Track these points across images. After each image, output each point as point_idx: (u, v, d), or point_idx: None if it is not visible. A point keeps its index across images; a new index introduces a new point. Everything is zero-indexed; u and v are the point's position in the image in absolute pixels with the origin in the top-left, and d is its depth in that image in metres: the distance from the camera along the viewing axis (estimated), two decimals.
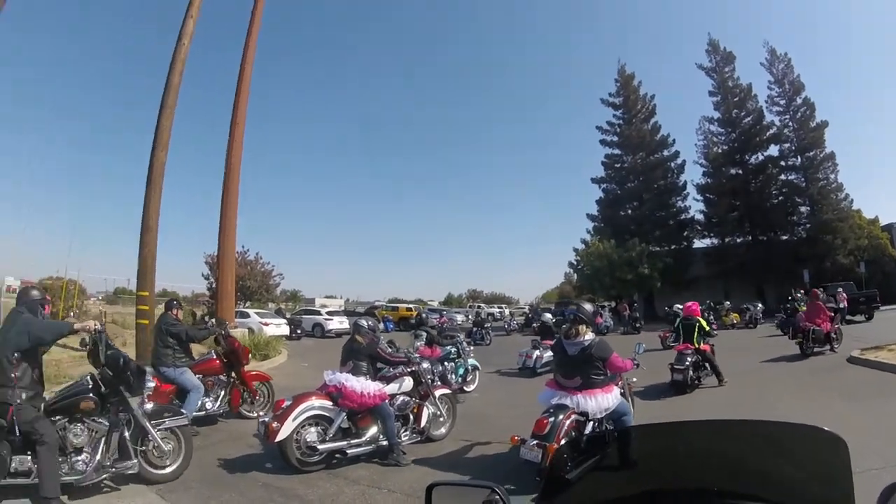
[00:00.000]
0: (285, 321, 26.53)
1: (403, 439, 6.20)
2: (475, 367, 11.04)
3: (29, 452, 4.48)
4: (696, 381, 9.95)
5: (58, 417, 4.72)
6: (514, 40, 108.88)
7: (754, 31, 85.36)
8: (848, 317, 22.41)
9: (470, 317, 38.13)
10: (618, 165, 40.42)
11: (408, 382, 6.54)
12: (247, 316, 24.26)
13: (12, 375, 4.43)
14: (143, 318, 11.76)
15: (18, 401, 4.42)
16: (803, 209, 35.81)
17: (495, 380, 12.70)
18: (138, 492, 5.01)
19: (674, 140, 39.52)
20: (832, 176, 35.02)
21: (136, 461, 4.98)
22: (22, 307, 4.81)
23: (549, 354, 12.91)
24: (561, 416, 4.98)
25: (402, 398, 6.42)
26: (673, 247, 37.47)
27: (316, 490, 5.09)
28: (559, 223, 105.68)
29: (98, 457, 4.77)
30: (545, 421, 4.95)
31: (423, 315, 23.66)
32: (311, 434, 5.62)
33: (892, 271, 29.71)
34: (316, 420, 5.70)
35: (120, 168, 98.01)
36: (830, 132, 34.73)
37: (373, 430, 5.92)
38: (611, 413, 5.22)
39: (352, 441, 5.79)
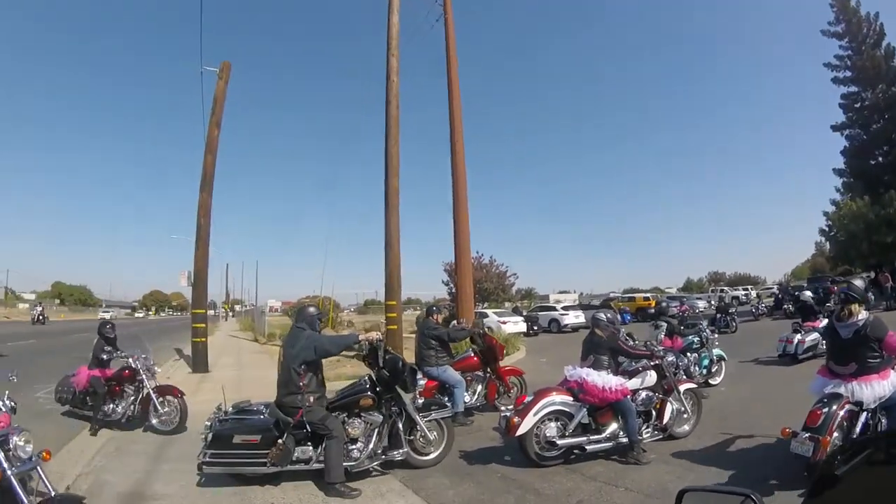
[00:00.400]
0: (522, 319, 26.96)
1: (645, 436, 6.01)
2: (721, 358, 10.24)
3: (309, 443, 5.34)
4: None
5: (338, 413, 5.49)
6: None
7: None
8: None
9: (713, 302, 35.08)
10: (857, 105, 34.07)
11: (651, 376, 6.29)
12: (485, 316, 24.88)
13: (301, 384, 5.25)
14: (392, 324, 13.20)
15: (307, 404, 5.24)
16: None
17: (746, 370, 11.64)
18: (385, 479, 5.54)
19: None
20: None
21: (405, 449, 5.60)
22: (302, 323, 5.58)
23: (811, 338, 12.15)
24: (835, 407, 4.68)
25: (644, 393, 6.20)
26: None
27: (552, 485, 5.15)
28: (801, 186, 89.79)
29: (371, 446, 5.48)
30: (819, 412, 4.68)
31: (663, 304, 22.35)
32: (551, 429, 5.67)
33: None
34: (556, 415, 5.73)
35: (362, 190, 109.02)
36: None
37: (613, 427, 5.81)
38: (885, 401, 4.73)
39: (591, 437, 5.74)
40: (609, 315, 6.46)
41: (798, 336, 12.16)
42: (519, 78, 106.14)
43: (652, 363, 6.35)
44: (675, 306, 28.33)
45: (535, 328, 27.36)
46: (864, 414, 4.76)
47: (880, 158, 32.57)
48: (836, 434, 4.59)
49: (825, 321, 10.73)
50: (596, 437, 5.75)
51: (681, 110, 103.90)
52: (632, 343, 6.62)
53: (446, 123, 17.30)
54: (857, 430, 4.72)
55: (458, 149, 17.04)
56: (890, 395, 4.71)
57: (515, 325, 24.97)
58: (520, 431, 5.47)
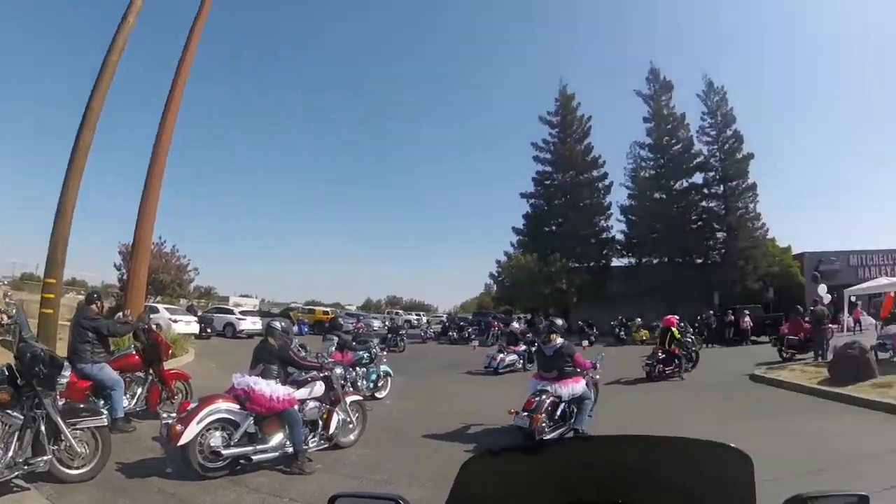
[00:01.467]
0: (195, 319, 25.71)
1: (311, 446, 6.10)
2: (387, 374, 11.08)
3: None
4: (664, 373, 13.31)
5: None
6: (457, 54, 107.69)
7: (697, 64, 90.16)
8: (753, 338, 24.50)
9: (386, 323, 38.41)
10: (547, 182, 41.54)
11: (319, 387, 6.42)
12: (156, 311, 23.01)
13: None
14: (47, 307, 10.99)
15: None
16: (720, 235, 37.41)
17: (412, 384, 12.91)
18: (26, 495, 4.72)
19: (604, 161, 40.85)
20: (751, 206, 36.81)
21: (49, 457, 4.72)
22: None
23: (511, 358, 16.07)
24: (543, 397, 7.10)
25: (312, 403, 6.28)
26: (592, 264, 38.85)
27: (215, 497, 4.92)
28: (483, 235, 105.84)
29: (10, 453, 4.52)
30: (533, 400, 7.11)
31: (339, 319, 23.42)
32: (216, 438, 5.43)
33: (801, 297, 31.44)
34: (222, 424, 5.50)
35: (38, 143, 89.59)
36: (758, 163, 36.82)
37: (279, 436, 5.76)
38: (576, 397, 7.37)
39: (258, 447, 5.61)
40: (283, 324, 6.48)
41: (501, 355, 15.80)
42: (250, 80, 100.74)
43: (321, 374, 6.51)
44: (352, 323, 30.12)
45: (209, 330, 26.30)
46: (563, 405, 7.32)
47: (554, 227, 39.89)
48: (542, 416, 6.94)
49: (524, 347, 16.36)
50: (262, 446, 5.64)
51: (404, 144, 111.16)
52: (303, 354, 6.77)
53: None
54: (557, 414, 7.27)
55: (169, 121, 15.84)
56: (580, 393, 7.34)
57: (187, 324, 23.91)
58: (183, 440, 5.14)
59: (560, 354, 7.48)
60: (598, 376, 8.35)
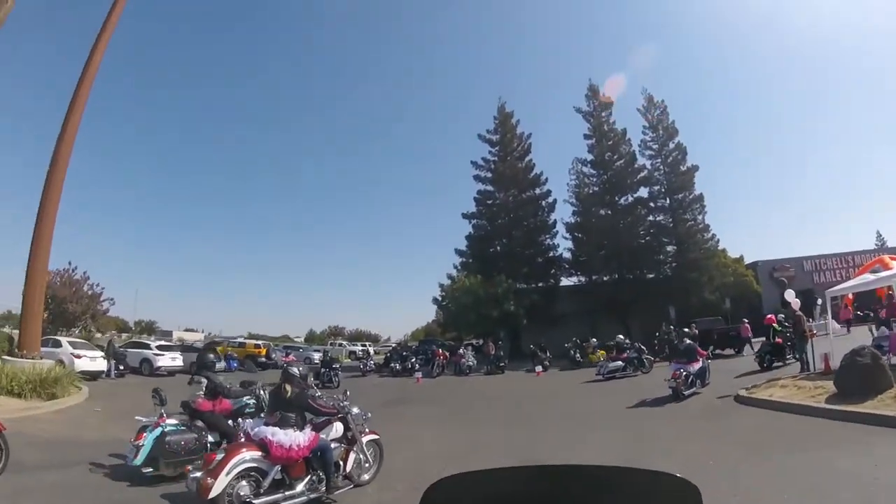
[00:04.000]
0: (101, 355, 22.33)
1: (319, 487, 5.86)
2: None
3: None
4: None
5: None
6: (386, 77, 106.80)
7: (634, 80, 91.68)
8: (717, 351, 22.73)
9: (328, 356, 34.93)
10: (490, 202, 39.69)
11: (338, 428, 6.38)
12: (59, 345, 20.85)
13: None
14: None
15: None
16: (670, 248, 36.61)
17: None
18: None
19: (546, 179, 39.66)
20: (699, 217, 36.27)
21: None
22: None
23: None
24: (682, 371, 12.72)
25: (332, 445, 6.08)
26: (540, 284, 37.22)
27: None
28: (431, 260, 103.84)
29: None
30: (677, 373, 12.67)
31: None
32: (244, 488, 5.34)
33: (758, 306, 30.74)
34: (247, 472, 5.37)
35: None
36: (703, 175, 36.77)
37: (306, 480, 5.73)
38: (699, 371, 13.09)
39: (286, 492, 5.56)
40: (301, 370, 6.43)
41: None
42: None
43: (339, 416, 6.42)
44: (282, 356, 26.45)
45: (122, 367, 23.48)
46: (691, 376, 12.63)
47: (498, 248, 37.89)
48: (682, 382, 12.27)
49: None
50: (290, 492, 5.59)
51: (349, 174, 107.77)
52: (322, 401, 6.46)
53: None
54: (689, 381, 12.35)
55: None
56: (699, 370, 12.94)
57: (93, 360, 21.20)
58: (213, 494, 5.03)
59: (689, 348, 13.56)
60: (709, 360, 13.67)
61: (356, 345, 52.45)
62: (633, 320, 33.21)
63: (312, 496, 5.71)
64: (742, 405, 10.87)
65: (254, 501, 5.27)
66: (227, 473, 5.11)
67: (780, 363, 15.95)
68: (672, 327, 25.03)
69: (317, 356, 33.33)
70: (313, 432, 5.86)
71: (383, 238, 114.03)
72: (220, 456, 5.32)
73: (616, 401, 13.19)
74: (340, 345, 51.22)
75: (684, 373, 12.56)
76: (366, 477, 6.60)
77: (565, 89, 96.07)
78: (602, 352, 25.73)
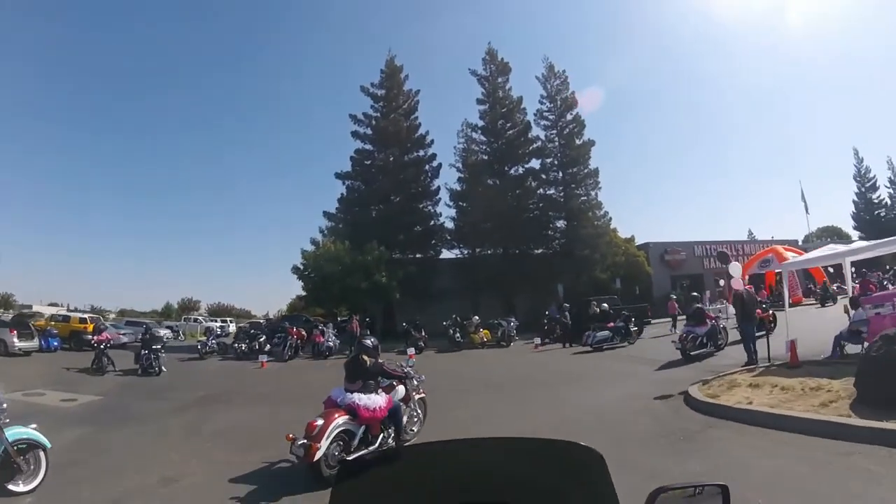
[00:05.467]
0: None
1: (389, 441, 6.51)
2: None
3: None
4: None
5: None
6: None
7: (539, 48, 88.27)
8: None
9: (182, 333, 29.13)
10: (368, 162, 34.98)
11: (401, 390, 7.02)
12: None
13: None
14: None
15: None
16: (560, 224, 34.36)
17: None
18: None
19: (432, 140, 35.67)
20: (593, 193, 34.50)
21: None
22: None
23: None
24: (690, 334, 13.81)
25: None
26: (418, 255, 33.33)
27: None
28: (311, 224, 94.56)
29: None
30: (685, 336, 13.65)
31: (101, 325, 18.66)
32: (336, 448, 5.88)
33: (648, 288, 30.03)
34: (340, 435, 5.95)
35: None
36: (599, 152, 35.34)
37: (382, 436, 6.41)
38: (708, 332, 14.01)
39: (370, 448, 6.17)
40: (373, 341, 7.07)
41: None
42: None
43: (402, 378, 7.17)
44: (93, 337, 20.49)
45: None
46: (701, 337, 13.61)
47: (374, 213, 33.20)
48: (688, 343, 13.44)
49: None
50: (372, 447, 6.21)
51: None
52: (392, 367, 7.22)
53: None
54: (698, 342, 13.56)
55: None
56: (708, 331, 13.73)
57: None
58: (318, 456, 5.54)
59: (697, 311, 14.40)
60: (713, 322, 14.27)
61: (215, 320, 45.48)
62: (518, 298, 30.53)
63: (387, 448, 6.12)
64: (704, 415, 7.48)
65: (348, 458, 5.60)
66: (327, 438, 5.68)
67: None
68: (566, 305, 22.41)
69: (163, 332, 27.13)
70: (386, 395, 6.56)
71: (260, 205, 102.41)
72: (319, 422, 5.76)
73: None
74: (195, 321, 45.04)
75: (692, 334, 13.73)
76: (414, 429, 7.40)
77: (461, 51, 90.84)
78: (486, 331, 22.59)
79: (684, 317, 16.50)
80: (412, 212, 33.79)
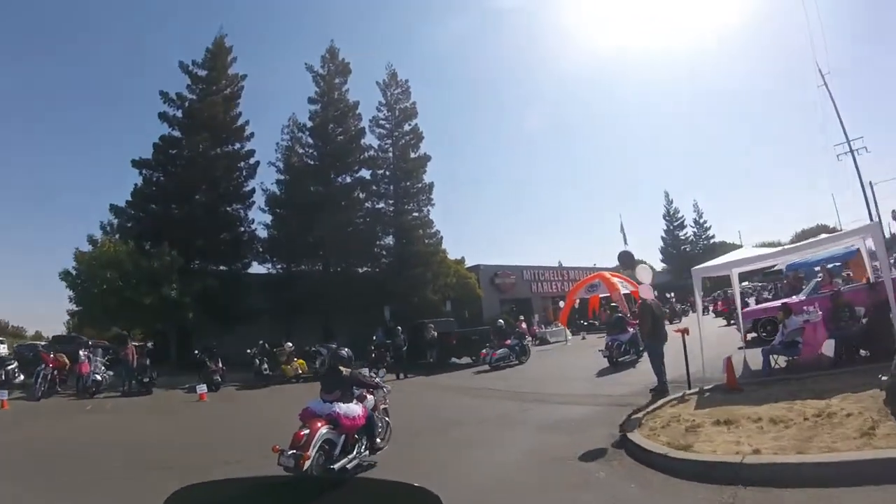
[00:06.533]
0: None
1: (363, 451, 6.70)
2: None
3: None
4: None
5: None
6: None
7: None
8: (453, 359, 20.20)
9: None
10: (174, 151, 28.88)
11: (371, 399, 7.10)
12: None
13: None
14: None
15: None
16: (388, 240, 32.10)
17: None
18: None
19: (252, 134, 30.93)
20: (425, 210, 32.66)
21: None
22: None
23: None
24: (614, 342, 14.95)
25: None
26: (223, 268, 28.20)
27: None
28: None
29: None
30: (610, 344, 14.68)
31: None
32: (320, 458, 5.98)
33: (478, 311, 29.98)
34: (322, 444, 6.05)
35: None
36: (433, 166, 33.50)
37: (358, 445, 6.57)
38: (630, 339, 15.05)
39: (350, 456, 6.40)
40: (348, 352, 7.23)
41: None
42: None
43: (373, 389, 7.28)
44: None
45: None
46: (624, 345, 14.81)
47: (175, 211, 27.42)
48: (615, 353, 14.39)
49: None
50: (351, 455, 6.41)
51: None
52: (368, 376, 7.62)
53: None
54: (622, 350, 14.72)
55: None
56: (630, 338, 14.85)
57: None
58: (306, 466, 5.60)
59: (618, 320, 15.80)
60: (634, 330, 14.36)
61: None
62: (340, 321, 27.13)
63: (364, 457, 6.65)
64: (692, 482, 4.88)
65: (333, 467, 6.05)
66: (314, 447, 5.81)
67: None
68: (398, 328, 19.86)
69: None
70: (365, 407, 6.71)
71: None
72: (305, 432, 5.87)
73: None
74: None
75: (616, 342, 14.83)
76: (385, 437, 7.40)
77: (307, 47, 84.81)
78: (300, 361, 18.95)
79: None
80: (219, 214, 28.47)
